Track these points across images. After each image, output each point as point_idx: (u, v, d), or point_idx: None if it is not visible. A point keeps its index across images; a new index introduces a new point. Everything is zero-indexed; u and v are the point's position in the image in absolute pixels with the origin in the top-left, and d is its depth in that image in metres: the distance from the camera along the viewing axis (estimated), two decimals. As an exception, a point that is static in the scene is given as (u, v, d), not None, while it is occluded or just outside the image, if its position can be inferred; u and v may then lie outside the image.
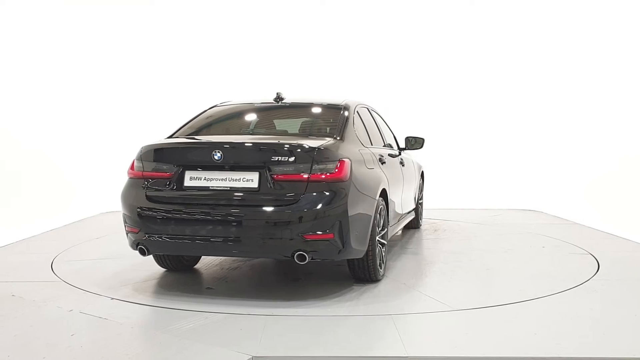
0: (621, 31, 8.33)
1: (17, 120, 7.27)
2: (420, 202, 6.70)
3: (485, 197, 8.79)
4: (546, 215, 8.12)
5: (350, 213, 3.65)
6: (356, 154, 4.02)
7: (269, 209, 3.56)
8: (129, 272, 4.53)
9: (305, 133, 4.39)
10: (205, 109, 4.81)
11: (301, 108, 4.80)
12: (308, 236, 3.53)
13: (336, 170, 3.64)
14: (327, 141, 3.86)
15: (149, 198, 3.84)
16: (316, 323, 3.31)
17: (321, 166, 3.61)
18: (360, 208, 3.81)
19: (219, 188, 3.70)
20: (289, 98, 4.74)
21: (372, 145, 4.64)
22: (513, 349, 2.91)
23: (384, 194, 4.33)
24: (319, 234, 3.55)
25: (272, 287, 4.17)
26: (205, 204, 3.69)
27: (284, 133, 4.54)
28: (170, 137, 4.31)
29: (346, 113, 4.40)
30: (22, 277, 4.38)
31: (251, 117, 4.79)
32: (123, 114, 8.87)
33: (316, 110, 4.76)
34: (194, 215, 3.68)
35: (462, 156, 9.11)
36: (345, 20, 9.39)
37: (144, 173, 3.91)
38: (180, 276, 4.47)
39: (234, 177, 3.68)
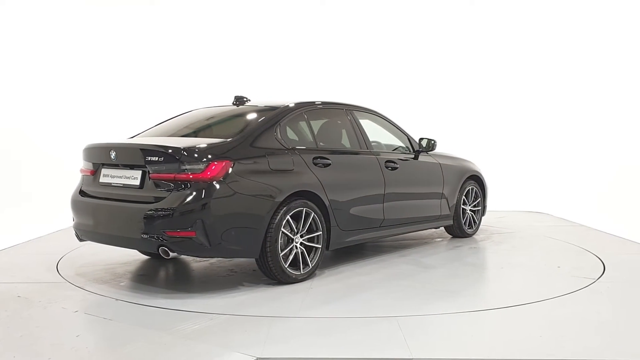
0: (629, 32, 8.30)
1: (26, 122, 7.31)
2: (475, 209, 6.34)
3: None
4: (551, 217, 8.09)
5: (218, 212, 3.74)
6: (255, 155, 4.03)
7: (142, 205, 3.82)
8: (134, 274, 4.55)
9: (210, 134, 4.45)
10: (180, 113, 5.06)
11: (247, 111, 4.68)
12: (170, 233, 3.71)
13: (205, 170, 3.74)
14: (208, 142, 3.95)
15: (81, 192, 4.38)
16: (319, 324, 3.31)
17: (188, 166, 3.76)
18: (242, 208, 3.87)
19: (116, 185, 4.10)
20: (254, 101, 4.86)
21: (318, 146, 4.60)
22: (518, 352, 2.90)
23: (310, 195, 4.26)
24: (180, 231, 3.70)
25: (271, 287, 4.17)
26: (108, 199, 4.12)
27: (193, 134, 4.54)
28: (131, 137, 4.69)
29: (271, 115, 4.38)
30: (28, 278, 4.41)
31: (201, 121, 4.79)
32: (131, 117, 8.88)
33: (255, 112, 4.61)
34: (101, 208, 4.13)
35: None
36: (347, 20, 9.39)
37: (82, 170, 4.46)
38: (186, 277, 4.50)
39: (126, 175, 4.05)
